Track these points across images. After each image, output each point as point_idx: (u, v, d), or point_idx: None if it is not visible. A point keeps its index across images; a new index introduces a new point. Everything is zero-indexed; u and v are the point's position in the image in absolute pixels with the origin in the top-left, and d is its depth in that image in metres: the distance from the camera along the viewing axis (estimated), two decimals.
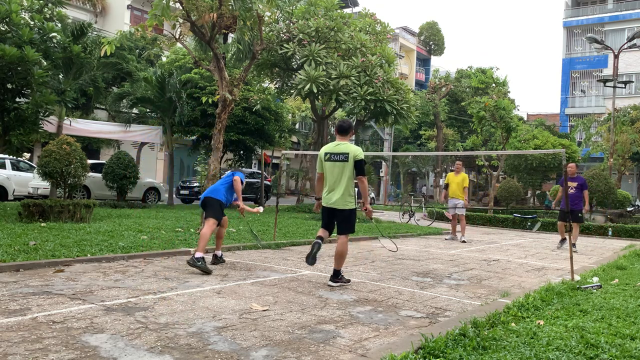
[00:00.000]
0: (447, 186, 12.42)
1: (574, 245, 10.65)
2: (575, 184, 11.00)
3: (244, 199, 23.04)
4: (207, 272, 6.12)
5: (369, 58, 16.62)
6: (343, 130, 6.02)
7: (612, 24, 40.40)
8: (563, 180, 9.71)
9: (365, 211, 6.01)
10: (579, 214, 11.09)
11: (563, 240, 11.29)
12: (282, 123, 21.73)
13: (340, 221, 5.91)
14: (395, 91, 16.67)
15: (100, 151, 25.77)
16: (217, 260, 7.01)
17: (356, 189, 6.14)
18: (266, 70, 18.56)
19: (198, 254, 6.18)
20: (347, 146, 5.87)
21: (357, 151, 5.81)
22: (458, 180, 12.20)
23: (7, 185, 15.80)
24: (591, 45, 34.75)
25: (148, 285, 5.35)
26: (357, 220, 13.78)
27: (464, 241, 11.95)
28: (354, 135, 6.24)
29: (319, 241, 5.96)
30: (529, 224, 16.82)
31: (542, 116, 43.79)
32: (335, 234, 6.03)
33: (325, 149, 6.04)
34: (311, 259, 5.89)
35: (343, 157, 5.79)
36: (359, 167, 5.79)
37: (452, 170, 13.72)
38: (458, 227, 12.46)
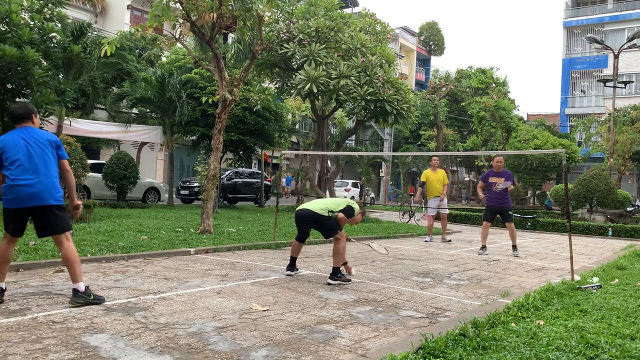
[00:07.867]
0: (423, 184, 11.58)
1: (515, 247, 9.65)
2: (502, 179, 9.52)
3: (244, 199, 23.04)
4: None
5: (369, 58, 16.61)
6: None
7: (612, 24, 40.40)
8: (498, 176, 9.48)
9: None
10: (509, 212, 9.81)
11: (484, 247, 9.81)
12: (282, 123, 21.71)
13: (319, 229, 6.26)
14: (396, 91, 16.65)
15: (100, 151, 25.74)
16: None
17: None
18: (266, 70, 18.54)
19: None
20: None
21: (353, 202, 6.52)
22: (438, 177, 11.51)
23: None
24: (591, 45, 34.80)
25: (148, 285, 5.35)
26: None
27: (449, 240, 11.66)
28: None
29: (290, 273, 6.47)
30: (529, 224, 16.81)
31: (542, 116, 43.78)
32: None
33: None
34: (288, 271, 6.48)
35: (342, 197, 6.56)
36: (348, 211, 6.28)
37: (429, 167, 11.84)
38: (437, 225, 12.14)
